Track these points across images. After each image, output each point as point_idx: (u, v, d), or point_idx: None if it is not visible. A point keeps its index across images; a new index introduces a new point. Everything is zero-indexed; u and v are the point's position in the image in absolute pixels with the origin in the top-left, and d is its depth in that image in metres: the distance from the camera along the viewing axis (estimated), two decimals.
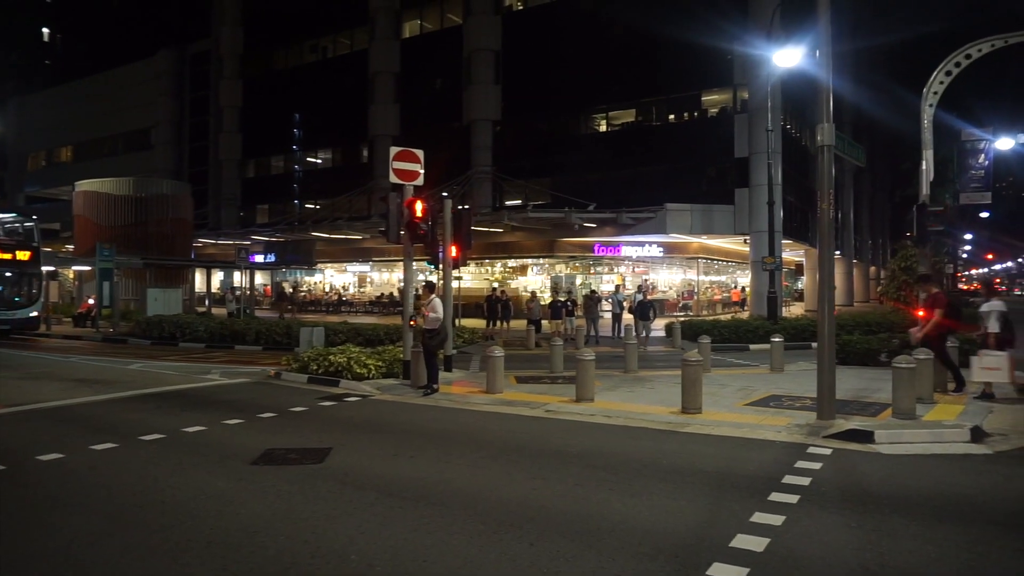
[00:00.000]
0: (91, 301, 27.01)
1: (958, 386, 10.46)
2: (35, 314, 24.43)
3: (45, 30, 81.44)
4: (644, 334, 19.24)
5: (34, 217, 26.63)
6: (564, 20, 35.66)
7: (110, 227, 29.84)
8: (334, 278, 47.28)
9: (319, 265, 43.68)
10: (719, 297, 38.71)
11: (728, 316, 26.60)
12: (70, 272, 35.67)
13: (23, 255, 24.45)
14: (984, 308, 10.39)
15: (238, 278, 39.91)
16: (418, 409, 10.08)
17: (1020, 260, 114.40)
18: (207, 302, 33.95)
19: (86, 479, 6.33)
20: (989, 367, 9.58)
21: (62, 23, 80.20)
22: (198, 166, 52.90)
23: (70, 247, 32.23)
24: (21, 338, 23.34)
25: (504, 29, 37.53)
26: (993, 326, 10.02)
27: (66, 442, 7.67)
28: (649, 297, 20.72)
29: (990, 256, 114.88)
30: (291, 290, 42.24)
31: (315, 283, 47.55)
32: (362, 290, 45.16)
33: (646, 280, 35.90)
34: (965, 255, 77.04)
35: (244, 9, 49.72)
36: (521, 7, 38.71)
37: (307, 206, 45.68)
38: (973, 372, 9.78)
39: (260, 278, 45.63)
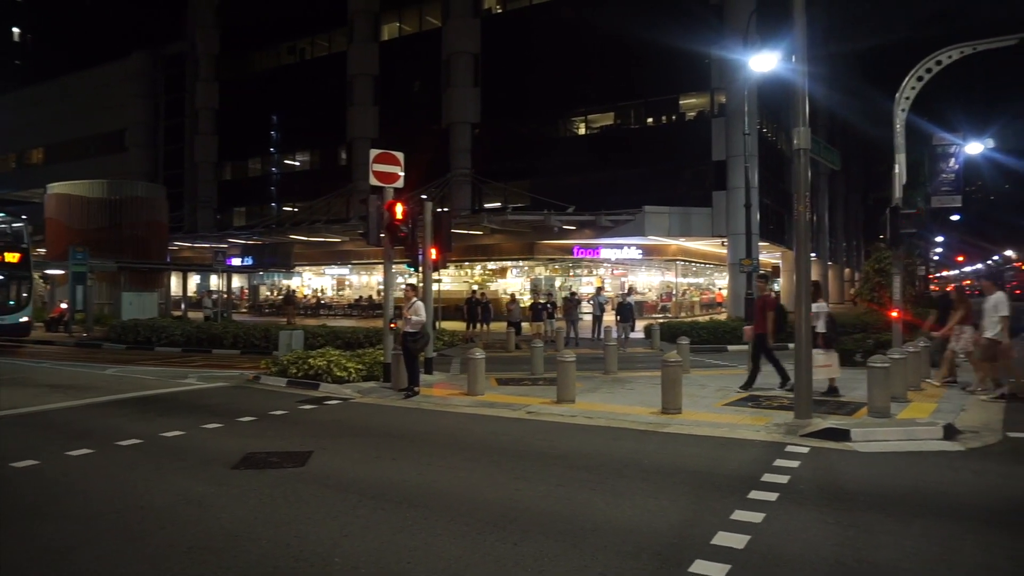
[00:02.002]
0: (64, 306, 26.53)
1: (783, 382, 10.87)
2: (25, 319, 22.95)
3: (15, 30, 79.98)
4: (624, 336, 19.35)
5: (23, 217, 25.02)
6: (543, 23, 35.80)
7: (83, 230, 29.34)
8: (312, 281, 46.93)
9: (297, 268, 43.35)
10: (707, 297, 39.05)
11: (707, 318, 26.84)
12: (37, 276, 34.99)
13: (12, 257, 23.05)
14: (812, 309, 10.60)
15: (215, 281, 39.53)
16: (399, 412, 10.05)
17: (989, 262, 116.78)
18: (183, 306, 33.49)
19: (61, 485, 6.23)
20: (823, 365, 9.92)
21: (33, 23, 78.82)
22: (174, 169, 52.25)
23: (42, 251, 31.48)
24: None
25: (483, 32, 37.58)
26: (821, 327, 10.30)
27: (40, 449, 7.53)
28: (628, 299, 20.86)
29: (960, 258, 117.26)
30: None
31: (292, 287, 47.16)
32: (341, 293, 44.87)
33: (623, 282, 36.11)
34: (937, 257, 78.54)
35: (220, 10, 49.26)
36: (500, 10, 38.79)
37: (285, 209, 45.33)
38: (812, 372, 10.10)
39: (237, 281, 45.21)
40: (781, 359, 11.16)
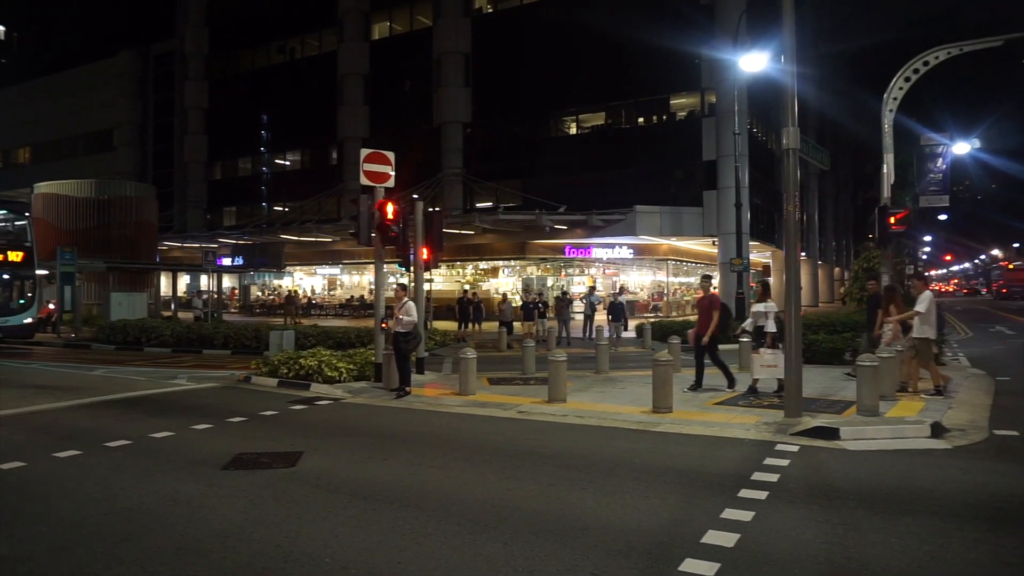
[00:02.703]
0: (51, 306, 26.31)
1: (730, 383, 10.89)
2: (30, 321, 22.28)
3: (1, 28, 79.23)
4: (616, 335, 19.38)
5: (27, 214, 24.06)
6: (533, 23, 35.83)
7: (71, 230, 29.14)
8: (303, 281, 46.77)
9: (288, 268, 43.16)
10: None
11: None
12: None
13: (15, 256, 22.33)
14: (760, 308, 10.75)
15: (205, 281, 39.31)
16: (390, 412, 10.04)
17: (976, 261, 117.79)
18: (173, 306, 33.30)
19: (49, 487, 6.19)
20: (767, 364, 10.08)
21: (19, 21, 78.11)
22: (163, 168, 51.94)
23: None
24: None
25: (474, 32, 37.57)
26: (771, 326, 10.43)
27: (27, 450, 7.48)
28: (620, 298, 20.91)
29: (948, 257, 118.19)
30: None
31: (282, 286, 46.98)
32: (332, 293, 44.73)
33: (615, 282, 36.18)
34: (925, 256, 79.21)
35: (209, 9, 49.00)
36: (491, 10, 38.78)
37: (275, 208, 45.18)
38: (753, 369, 10.32)
39: (228, 281, 44.97)
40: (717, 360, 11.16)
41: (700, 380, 11.03)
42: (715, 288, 13.28)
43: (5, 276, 22.37)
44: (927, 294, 10.43)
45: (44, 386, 12.65)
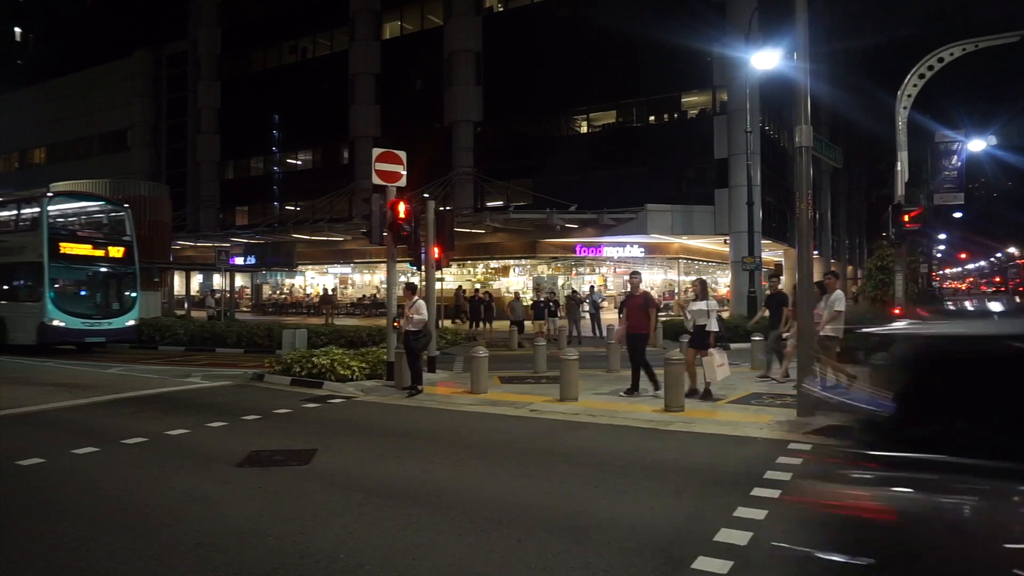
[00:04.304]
0: None
1: (655, 387, 10.37)
2: (132, 323, 20.00)
3: (17, 30, 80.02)
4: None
5: (126, 205, 21.66)
6: (544, 22, 35.78)
7: None
8: (315, 280, 46.98)
9: (300, 267, 43.34)
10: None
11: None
12: None
13: (116, 251, 20.13)
14: (701, 307, 10.37)
15: (218, 280, 39.58)
16: (403, 410, 10.09)
17: (992, 259, 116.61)
18: (186, 305, 33.53)
19: (68, 483, 6.27)
20: (720, 364, 9.93)
21: (35, 23, 78.86)
22: (176, 168, 52.30)
23: None
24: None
25: (485, 30, 37.57)
26: (713, 325, 10.23)
27: (46, 447, 7.58)
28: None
29: (963, 255, 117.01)
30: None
31: (295, 285, 47.22)
32: (344, 291, 44.89)
33: (625, 280, 36.09)
34: (939, 254, 78.45)
35: (221, 9, 49.27)
36: (501, 9, 38.78)
37: (287, 208, 45.36)
38: (707, 372, 9.94)
39: (240, 280, 45.25)
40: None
41: (654, 379, 10.42)
42: (727, 287, 13.21)
43: (107, 274, 20.33)
44: (840, 293, 10.38)
45: (61, 384, 12.80)
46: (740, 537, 4.64)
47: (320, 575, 4.19)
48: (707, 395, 10.01)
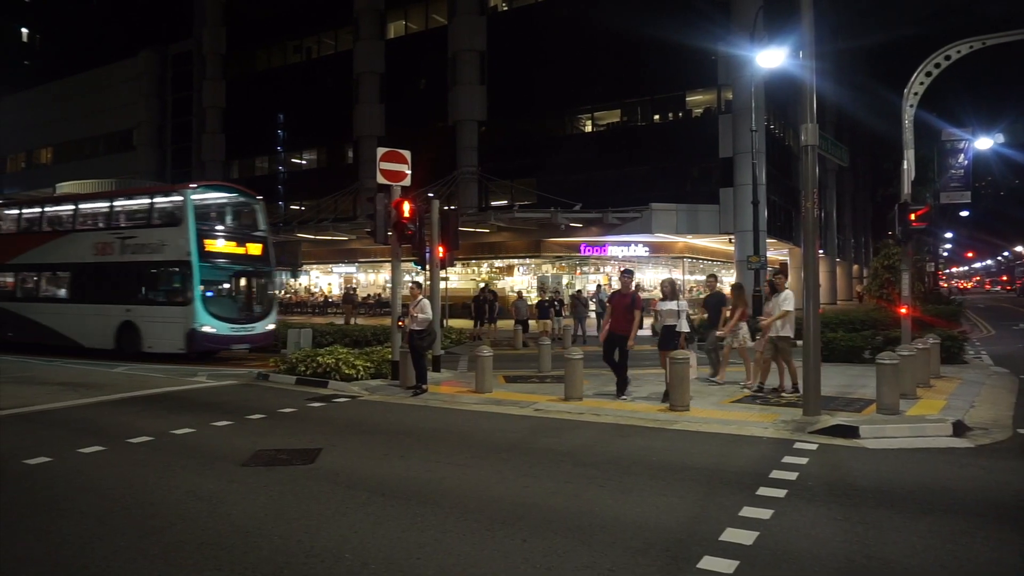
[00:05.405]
0: None
1: (619, 391, 10.20)
2: (271, 327, 17.97)
3: (24, 30, 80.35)
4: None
5: (259, 197, 19.22)
6: (549, 21, 35.76)
7: None
8: (320, 279, 47.05)
9: (304, 267, 43.41)
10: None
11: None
12: None
13: (255, 248, 18.08)
14: (671, 307, 10.28)
15: None
16: (407, 409, 10.09)
17: (999, 258, 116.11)
18: None
19: (74, 482, 6.29)
20: (692, 365, 9.79)
21: (41, 23, 79.18)
22: (181, 167, 52.45)
23: None
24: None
25: (489, 30, 37.57)
26: (683, 326, 10.19)
27: (53, 446, 7.60)
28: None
29: (970, 254, 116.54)
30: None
31: (300, 284, 47.30)
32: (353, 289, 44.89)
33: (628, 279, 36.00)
34: (946, 253, 78.12)
35: (226, 9, 49.44)
36: (506, 8, 38.77)
37: (292, 207, 45.44)
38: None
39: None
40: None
41: (625, 383, 10.33)
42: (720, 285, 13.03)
43: (248, 273, 18.20)
44: (790, 292, 10.34)
45: (68, 383, 12.84)
46: (746, 537, 4.63)
47: (325, 574, 4.19)
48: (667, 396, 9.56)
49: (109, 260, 17.68)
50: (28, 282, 19.98)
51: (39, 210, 20.70)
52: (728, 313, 11.36)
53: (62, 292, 19.31)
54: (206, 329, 16.22)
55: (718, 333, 11.42)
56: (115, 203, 19.34)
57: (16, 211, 21.55)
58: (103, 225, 18.68)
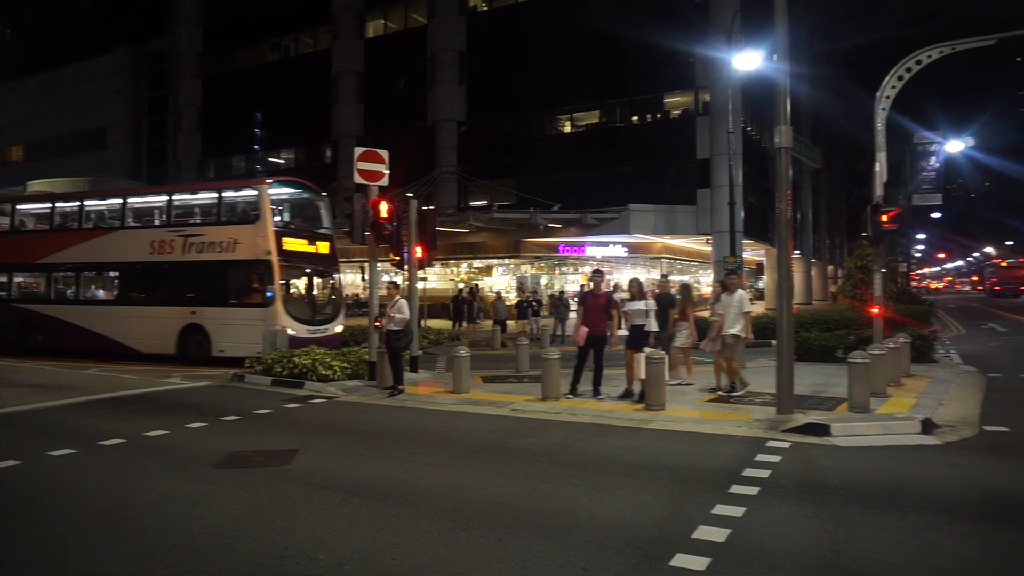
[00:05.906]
0: None
1: (571, 389, 10.34)
2: (340, 329, 17.26)
3: None
4: (610, 333, 19.39)
5: (324, 193, 18.40)
6: (528, 21, 35.81)
7: None
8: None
9: None
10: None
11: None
12: None
13: (324, 247, 17.35)
14: (638, 306, 10.37)
15: None
16: (384, 410, 10.06)
17: (970, 258, 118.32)
18: None
19: (45, 485, 6.19)
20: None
21: (12, 18, 77.63)
22: (157, 166, 51.78)
23: None
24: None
25: (469, 30, 37.54)
26: (652, 325, 10.28)
27: (23, 449, 7.48)
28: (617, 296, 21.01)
29: (942, 255, 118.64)
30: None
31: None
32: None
33: (608, 280, 36.19)
34: (918, 254, 79.47)
35: (203, 6, 48.80)
36: (485, 8, 38.75)
37: None
38: (638, 371, 9.84)
39: None
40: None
41: (576, 382, 10.43)
42: (710, 286, 13.22)
43: (319, 272, 17.47)
44: (743, 293, 10.51)
45: (39, 385, 12.62)
46: (718, 534, 4.69)
47: (300, 575, 4.18)
48: (642, 396, 9.63)
49: (168, 259, 16.51)
50: (63, 283, 18.49)
51: (76, 204, 18.97)
52: (676, 314, 11.47)
53: (107, 294, 18.16)
54: (288, 332, 15.21)
55: (667, 335, 11.43)
56: (175, 198, 17.79)
57: (44, 206, 19.61)
58: (160, 222, 17.39)
